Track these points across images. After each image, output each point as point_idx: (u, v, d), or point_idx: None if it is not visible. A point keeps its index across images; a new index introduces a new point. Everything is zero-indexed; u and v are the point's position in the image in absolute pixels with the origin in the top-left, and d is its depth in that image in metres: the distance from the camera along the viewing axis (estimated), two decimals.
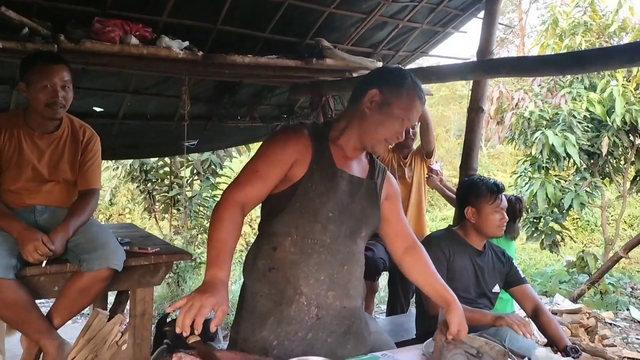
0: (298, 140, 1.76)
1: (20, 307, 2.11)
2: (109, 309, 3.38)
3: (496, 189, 2.57)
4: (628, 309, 5.87)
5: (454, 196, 3.80)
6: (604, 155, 6.38)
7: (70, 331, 2.72)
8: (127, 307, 3.40)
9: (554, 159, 6.31)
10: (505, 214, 2.61)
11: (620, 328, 5.38)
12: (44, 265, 2.24)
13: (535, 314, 2.56)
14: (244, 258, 1.95)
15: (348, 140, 1.82)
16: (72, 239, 2.31)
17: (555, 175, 6.72)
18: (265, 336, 1.75)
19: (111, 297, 3.89)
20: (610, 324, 5.43)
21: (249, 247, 1.96)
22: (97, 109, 4.01)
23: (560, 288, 6.41)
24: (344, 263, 1.81)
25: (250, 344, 1.75)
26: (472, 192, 2.60)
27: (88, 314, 4.45)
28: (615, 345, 4.55)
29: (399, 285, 3.76)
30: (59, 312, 2.28)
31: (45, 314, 2.30)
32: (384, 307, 5.60)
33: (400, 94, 1.74)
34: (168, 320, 3.36)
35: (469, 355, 1.84)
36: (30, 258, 2.15)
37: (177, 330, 1.40)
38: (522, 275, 2.70)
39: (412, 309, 3.58)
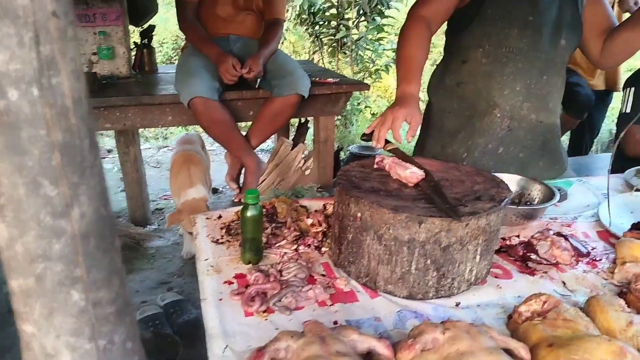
0: None
1: (224, 125, 2.35)
2: (291, 138, 3.65)
3: None
4: None
5: None
6: None
7: None
8: (306, 139, 3.63)
9: None
10: None
11: None
12: (257, 86, 2.46)
13: None
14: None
15: None
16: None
17: None
18: (456, 150, 1.76)
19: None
20: None
21: (435, 67, 1.89)
22: None
23: None
24: (543, 72, 1.67)
25: (440, 159, 1.76)
26: None
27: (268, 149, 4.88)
28: None
29: (586, 123, 3.45)
30: (255, 134, 2.51)
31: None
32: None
33: None
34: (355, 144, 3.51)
35: None
36: (224, 79, 2.35)
37: (374, 144, 1.43)
38: None
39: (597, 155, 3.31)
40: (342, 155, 4.63)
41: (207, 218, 1.47)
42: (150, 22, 3.48)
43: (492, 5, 1.61)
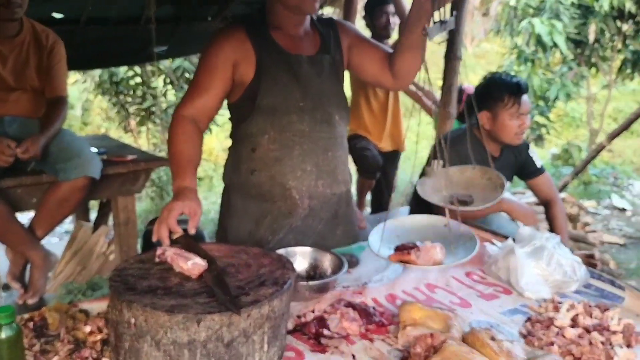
0: (232, 39, 1.65)
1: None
2: (92, 221, 3.37)
3: (516, 90, 2.27)
4: (610, 198, 6.03)
5: (427, 101, 3.67)
6: (591, 43, 6.27)
7: (56, 249, 2.70)
8: (111, 219, 3.38)
9: (540, 49, 6.18)
10: (527, 119, 2.32)
11: (601, 216, 5.55)
12: (29, 169, 2.24)
13: (546, 206, 2.51)
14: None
15: (282, 18, 1.68)
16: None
17: (541, 68, 6.62)
18: (262, 234, 1.76)
19: (93, 213, 3.87)
20: (593, 212, 5.60)
21: (226, 157, 1.90)
22: (57, 15, 3.75)
23: None
24: (328, 149, 1.76)
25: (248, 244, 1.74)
26: (488, 93, 2.29)
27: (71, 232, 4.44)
28: (596, 232, 4.72)
29: (383, 182, 3.77)
30: (40, 224, 2.25)
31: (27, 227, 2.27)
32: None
33: None
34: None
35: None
36: None
37: (154, 239, 1.37)
38: (539, 165, 2.51)
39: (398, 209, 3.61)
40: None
41: None
42: None
43: (266, 97, 1.66)
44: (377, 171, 3.55)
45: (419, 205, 2.63)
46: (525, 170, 2.51)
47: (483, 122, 2.32)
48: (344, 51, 1.80)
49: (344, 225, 1.90)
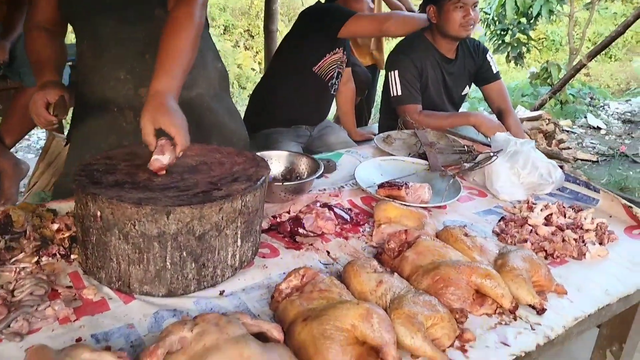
0: None
1: None
2: (65, 133, 3.28)
3: None
4: (585, 117, 6.06)
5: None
6: None
7: (32, 164, 2.62)
8: None
9: None
10: (473, 11, 2.28)
11: (576, 134, 5.59)
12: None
13: (500, 115, 2.48)
14: None
15: None
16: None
17: None
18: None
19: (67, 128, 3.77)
20: (568, 130, 5.62)
21: None
22: None
23: (522, 101, 6.50)
24: (145, 52, 1.50)
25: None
26: None
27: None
28: (571, 148, 4.75)
29: (363, 97, 3.68)
30: (8, 132, 2.18)
31: None
32: None
33: None
34: None
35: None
36: None
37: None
38: (495, 71, 2.50)
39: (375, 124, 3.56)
40: None
41: None
42: None
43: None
44: (367, 87, 3.42)
45: (386, 120, 2.61)
46: (481, 74, 2.50)
47: (430, 16, 2.32)
48: None
49: (217, 133, 1.63)
